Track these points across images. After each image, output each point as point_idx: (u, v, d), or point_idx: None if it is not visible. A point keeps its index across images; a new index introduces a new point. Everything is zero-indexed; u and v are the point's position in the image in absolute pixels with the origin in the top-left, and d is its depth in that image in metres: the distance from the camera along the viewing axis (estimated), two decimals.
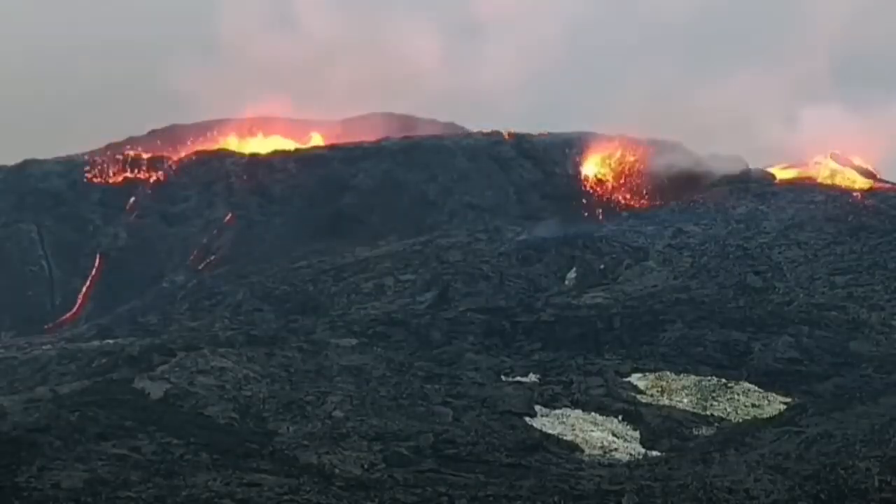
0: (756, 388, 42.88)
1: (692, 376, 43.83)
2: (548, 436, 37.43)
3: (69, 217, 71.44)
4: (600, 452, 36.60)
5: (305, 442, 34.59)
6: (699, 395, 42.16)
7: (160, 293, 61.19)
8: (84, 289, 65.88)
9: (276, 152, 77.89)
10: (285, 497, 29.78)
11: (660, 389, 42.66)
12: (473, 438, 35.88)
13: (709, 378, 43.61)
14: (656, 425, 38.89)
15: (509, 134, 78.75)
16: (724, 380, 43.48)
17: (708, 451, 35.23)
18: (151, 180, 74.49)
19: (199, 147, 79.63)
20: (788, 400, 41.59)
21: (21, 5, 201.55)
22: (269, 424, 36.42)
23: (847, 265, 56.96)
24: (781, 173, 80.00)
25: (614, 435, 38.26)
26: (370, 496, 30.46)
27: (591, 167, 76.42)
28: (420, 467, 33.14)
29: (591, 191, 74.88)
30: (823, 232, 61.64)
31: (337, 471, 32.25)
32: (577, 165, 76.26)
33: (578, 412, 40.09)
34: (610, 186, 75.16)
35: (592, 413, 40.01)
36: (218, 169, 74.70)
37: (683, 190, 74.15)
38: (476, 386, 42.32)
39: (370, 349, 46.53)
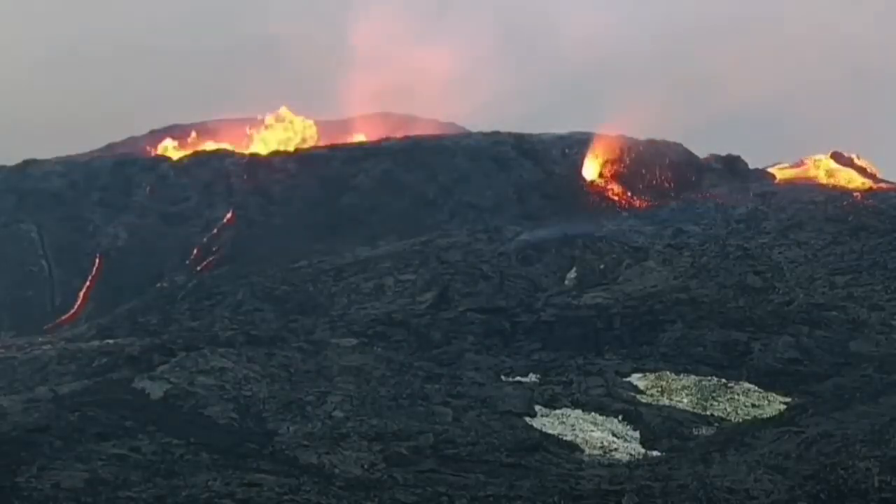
0: (756, 388, 42.84)
1: (692, 376, 43.80)
2: (548, 436, 37.39)
3: (69, 217, 71.45)
4: (600, 452, 36.56)
5: (305, 442, 34.57)
6: (699, 395, 42.12)
7: (160, 293, 61.14)
8: (84, 289, 65.87)
9: (276, 152, 78.08)
10: (285, 497, 29.77)
11: (660, 389, 42.64)
12: (473, 438, 35.86)
13: (709, 378, 43.57)
14: (656, 425, 38.84)
15: (509, 134, 78.81)
16: (724, 380, 43.45)
17: (708, 451, 35.18)
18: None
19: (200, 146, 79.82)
20: (788, 400, 41.54)
21: (24, 6, 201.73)
22: (269, 424, 36.41)
23: (847, 265, 56.92)
24: (781, 173, 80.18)
25: (614, 435, 38.21)
26: (370, 496, 30.44)
27: (591, 167, 76.49)
28: (420, 467, 33.12)
29: (591, 191, 74.90)
30: (823, 232, 61.60)
31: (337, 471, 32.24)
32: (577, 165, 76.31)
33: (578, 412, 40.05)
34: (610, 186, 75.19)
35: (592, 413, 39.97)
36: (218, 169, 74.78)
37: (683, 190, 74.29)
38: (476, 386, 42.30)
39: (370, 349, 46.52)
